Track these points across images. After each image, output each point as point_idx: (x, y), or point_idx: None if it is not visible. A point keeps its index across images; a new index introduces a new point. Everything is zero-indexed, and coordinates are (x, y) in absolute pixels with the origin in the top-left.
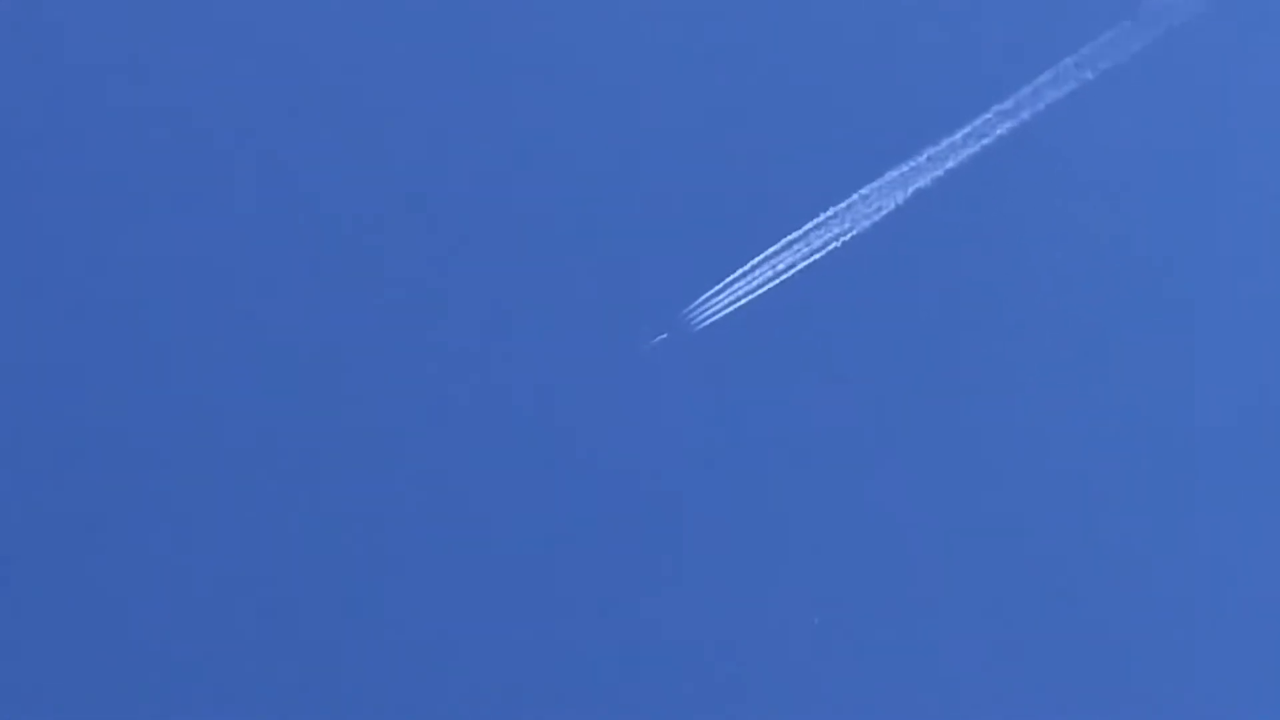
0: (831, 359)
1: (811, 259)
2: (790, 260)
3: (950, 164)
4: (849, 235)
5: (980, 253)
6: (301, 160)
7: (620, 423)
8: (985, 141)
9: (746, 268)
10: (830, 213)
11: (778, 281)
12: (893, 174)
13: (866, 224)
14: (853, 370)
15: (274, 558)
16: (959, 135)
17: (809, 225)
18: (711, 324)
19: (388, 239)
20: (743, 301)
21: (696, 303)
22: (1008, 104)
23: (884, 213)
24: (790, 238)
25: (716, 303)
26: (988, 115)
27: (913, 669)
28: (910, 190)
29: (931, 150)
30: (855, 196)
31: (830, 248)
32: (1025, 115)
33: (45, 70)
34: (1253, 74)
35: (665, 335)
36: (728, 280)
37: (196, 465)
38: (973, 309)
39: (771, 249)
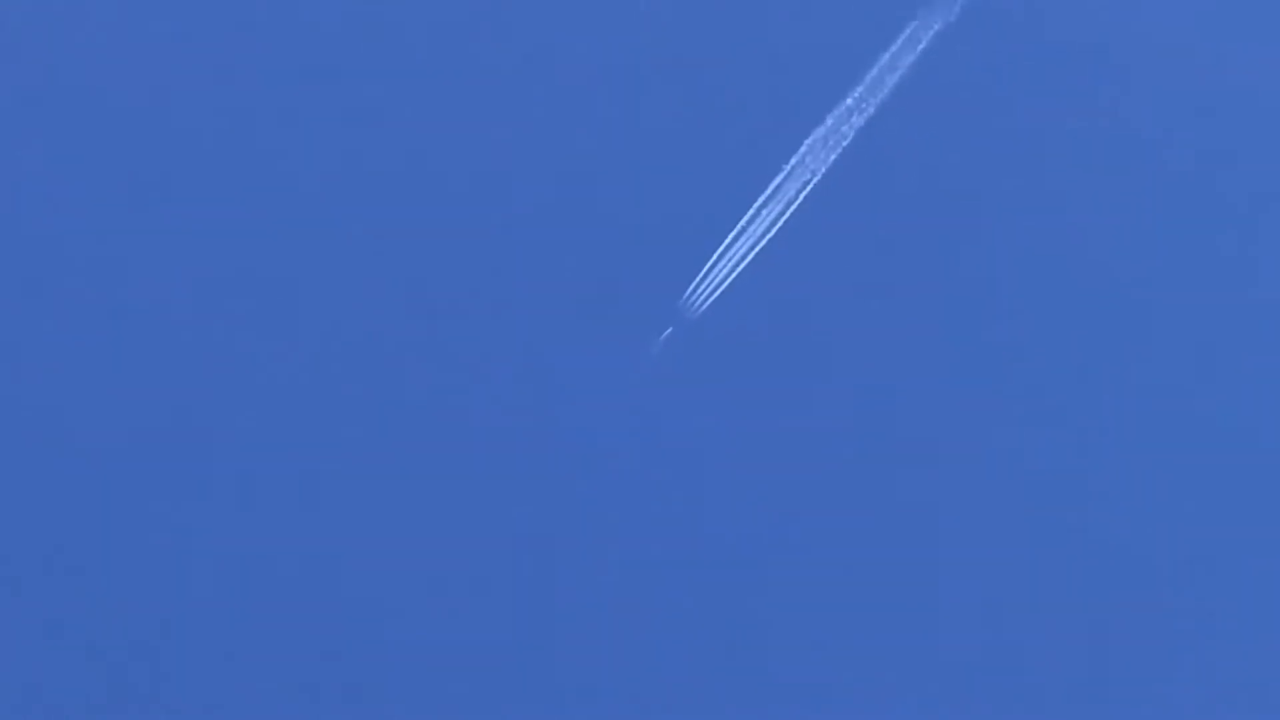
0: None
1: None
2: (765, 224)
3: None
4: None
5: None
6: (288, 160)
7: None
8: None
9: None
10: (793, 161)
11: (756, 251)
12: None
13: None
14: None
15: (271, 557)
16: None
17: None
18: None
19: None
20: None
21: (688, 292)
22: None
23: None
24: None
25: (706, 287)
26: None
27: (920, 665)
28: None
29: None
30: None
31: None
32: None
33: (45, 70)
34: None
35: (670, 330)
36: (709, 264)
37: (195, 465)
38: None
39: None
